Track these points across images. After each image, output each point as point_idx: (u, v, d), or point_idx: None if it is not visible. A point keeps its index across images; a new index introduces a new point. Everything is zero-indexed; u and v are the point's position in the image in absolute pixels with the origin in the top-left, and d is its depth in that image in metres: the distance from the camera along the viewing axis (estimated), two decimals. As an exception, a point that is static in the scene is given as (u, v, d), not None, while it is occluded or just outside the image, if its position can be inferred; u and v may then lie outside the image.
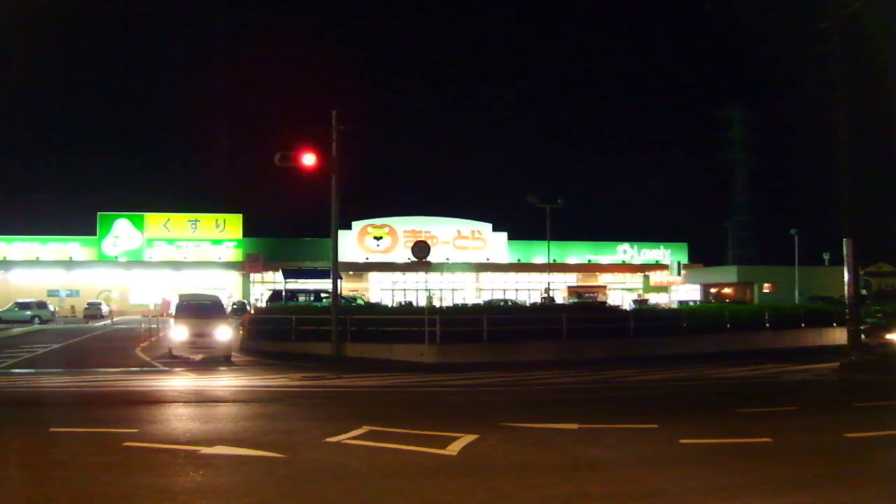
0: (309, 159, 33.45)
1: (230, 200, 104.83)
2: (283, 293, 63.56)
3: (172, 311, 36.13)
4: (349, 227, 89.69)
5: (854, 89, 31.00)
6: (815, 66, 31.30)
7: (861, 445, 14.47)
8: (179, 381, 25.63)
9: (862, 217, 32.07)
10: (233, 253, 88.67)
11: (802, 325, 42.80)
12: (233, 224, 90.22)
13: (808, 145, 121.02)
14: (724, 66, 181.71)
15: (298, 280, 69.61)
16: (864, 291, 40.41)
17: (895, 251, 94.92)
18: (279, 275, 72.62)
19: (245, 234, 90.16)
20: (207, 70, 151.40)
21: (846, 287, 30.79)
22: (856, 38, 30.82)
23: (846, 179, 30.53)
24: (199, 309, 34.36)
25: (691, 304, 74.68)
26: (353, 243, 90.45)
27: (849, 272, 30.52)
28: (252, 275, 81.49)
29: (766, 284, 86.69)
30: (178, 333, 32.72)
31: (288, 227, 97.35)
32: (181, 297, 39.05)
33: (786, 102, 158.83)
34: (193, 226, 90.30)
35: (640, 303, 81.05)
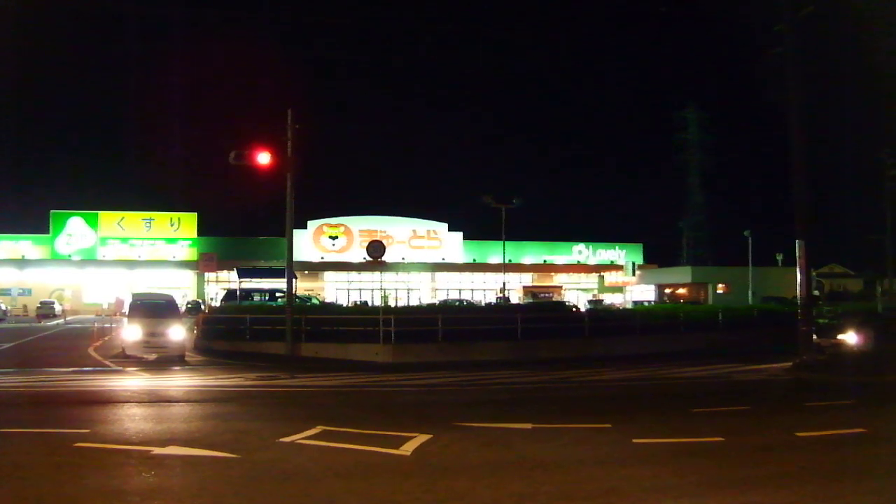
0: (264, 158, 33.37)
1: (185, 199, 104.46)
2: (238, 292, 63.21)
3: (126, 310, 35.87)
4: (304, 227, 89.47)
5: (807, 92, 31.23)
6: (769, 68, 31.48)
7: (812, 444, 14.58)
8: (133, 381, 25.45)
9: (815, 219, 32.31)
10: (187, 252, 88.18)
11: (755, 325, 43.08)
12: (187, 223, 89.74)
13: (762, 147, 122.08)
14: (679, 67, 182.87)
15: (253, 279, 69.30)
16: (816, 292, 40.71)
17: (848, 253, 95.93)
18: (234, 274, 72.26)
19: (200, 232, 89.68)
20: (162, 68, 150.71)
21: (798, 288, 31.01)
22: (809, 41, 31.05)
23: (799, 181, 30.74)
24: (153, 308, 34.14)
25: (646, 304, 75.11)
26: (308, 242, 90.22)
27: (801, 273, 30.74)
28: (207, 274, 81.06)
29: (720, 285, 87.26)
30: (132, 333, 32.47)
31: (243, 225, 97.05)
32: (135, 296, 38.82)
33: (740, 104, 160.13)
34: (148, 224, 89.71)
35: (595, 303, 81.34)
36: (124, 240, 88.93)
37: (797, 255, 30.67)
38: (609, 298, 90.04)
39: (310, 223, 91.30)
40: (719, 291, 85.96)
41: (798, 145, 30.73)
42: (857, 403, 20.73)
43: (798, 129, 30.73)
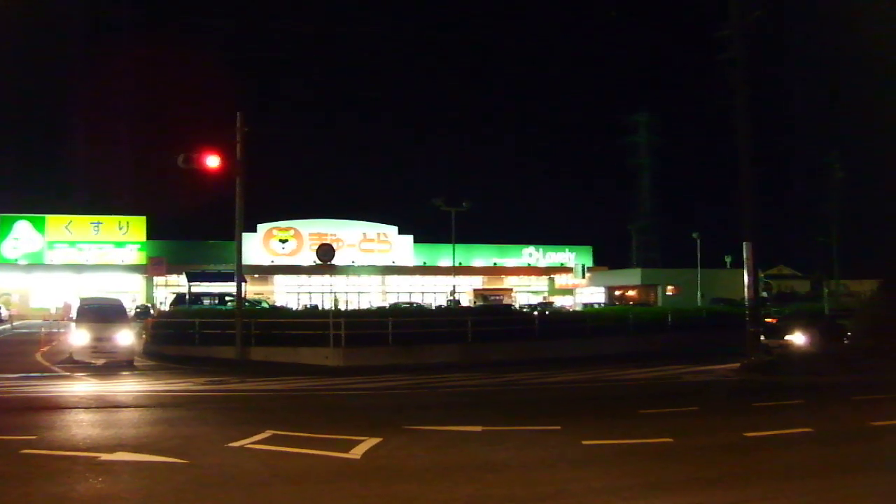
0: (213, 161, 33.17)
1: (134, 202, 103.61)
2: (188, 296, 62.84)
3: (74, 314, 35.56)
4: (254, 230, 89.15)
5: (754, 96, 31.49)
6: (718, 73, 31.70)
7: (759, 444, 14.68)
8: (80, 387, 25.18)
9: (763, 221, 32.53)
10: (136, 256, 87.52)
11: (704, 326, 43.37)
12: (136, 226, 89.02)
13: (712, 151, 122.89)
14: (630, 71, 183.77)
15: (203, 283, 68.93)
16: (764, 294, 40.98)
17: (795, 255, 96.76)
18: (183, 278, 71.88)
19: (149, 236, 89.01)
20: (110, 69, 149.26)
21: (746, 289, 31.22)
22: (757, 46, 31.29)
23: (746, 184, 30.97)
24: (101, 312, 33.79)
25: (596, 306, 75.41)
26: (258, 246, 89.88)
27: (749, 275, 30.95)
28: (156, 278, 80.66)
29: (669, 287, 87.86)
30: (79, 337, 32.12)
31: (193, 229, 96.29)
32: (83, 300, 38.39)
33: (690, 108, 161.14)
34: (96, 228, 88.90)
35: (546, 305, 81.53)
36: (72, 243, 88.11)
37: (745, 257, 30.88)
38: (559, 301, 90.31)
39: (260, 227, 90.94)
40: (668, 293, 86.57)
41: (745, 149, 30.98)
42: (804, 403, 20.94)
43: (745, 133, 30.97)
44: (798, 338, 32.52)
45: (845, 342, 33.12)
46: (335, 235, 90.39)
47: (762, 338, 31.35)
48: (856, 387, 23.44)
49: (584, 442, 14.53)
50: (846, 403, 20.85)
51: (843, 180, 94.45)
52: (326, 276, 68.91)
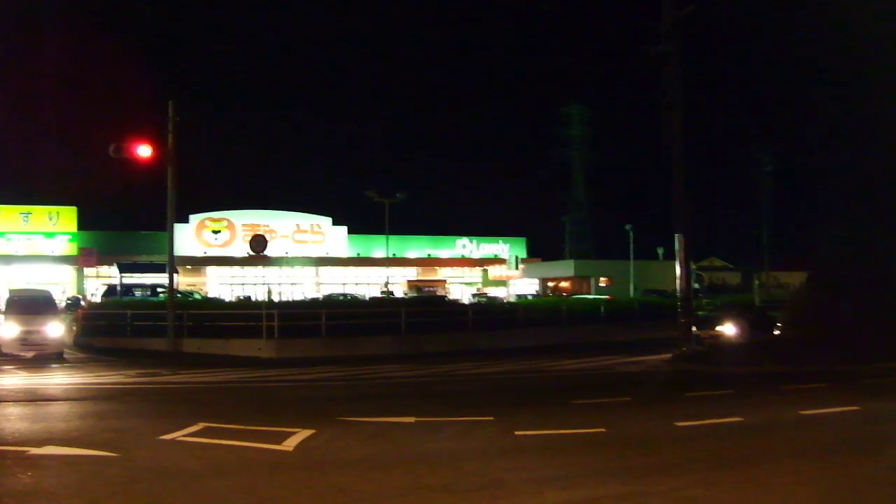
0: (144, 151, 32.92)
1: (64, 193, 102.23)
2: (119, 288, 62.19)
3: (2, 306, 35.07)
4: (187, 221, 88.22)
5: (686, 89, 31.69)
6: (651, 66, 31.88)
7: (691, 433, 14.83)
8: (8, 380, 24.82)
9: (694, 214, 32.81)
10: (67, 247, 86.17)
11: (637, 317, 43.76)
12: (67, 217, 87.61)
13: (645, 143, 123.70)
14: (562, 63, 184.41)
15: (134, 274, 68.21)
16: (696, 285, 41.34)
17: (727, 247, 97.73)
18: (115, 269, 71.03)
19: (80, 227, 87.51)
20: (39, 57, 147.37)
21: (678, 281, 31.46)
22: (690, 39, 31.50)
23: (677, 177, 31.20)
24: (30, 304, 33.34)
25: (529, 297, 75.67)
26: (190, 237, 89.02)
27: (680, 267, 31.19)
28: (87, 269, 79.59)
29: (602, 278, 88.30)
30: (8, 330, 31.68)
31: (125, 220, 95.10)
32: (11, 292, 37.94)
33: (623, 101, 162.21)
34: (25, 218, 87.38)
35: (479, 296, 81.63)
36: (0, 234, 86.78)
37: (676, 249, 31.11)
38: (493, 292, 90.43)
39: (192, 217, 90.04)
40: (602, 285, 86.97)
41: (676, 142, 31.20)
42: (735, 393, 21.15)
43: (677, 126, 31.17)
44: (729, 329, 32.91)
45: (775, 333, 33.57)
46: (268, 226, 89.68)
47: (694, 329, 31.64)
48: (785, 377, 23.78)
49: (518, 432, 14.57)
50: (776, 393, 21.15)
51: (773, 173, 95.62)
52: (260, 268, 68.48)
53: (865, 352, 27.44)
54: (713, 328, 33.49)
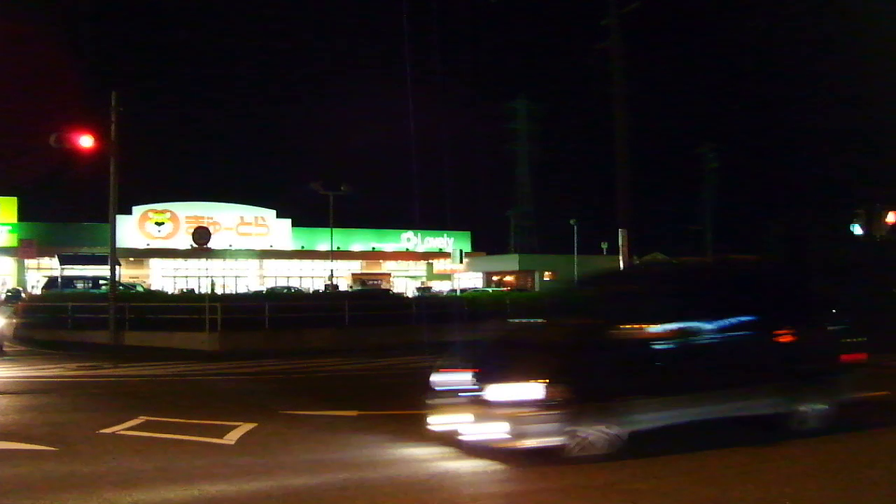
0: (86, 141, 32.59)
1: (4, 183, 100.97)
2: (60, 280, 61.72)
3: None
4: (130, 212, 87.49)
5: (631, 85, 31.94)
6: (596, 61, 32.09)
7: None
8: (-54, 373, 24.59)
9: (638, 209, 33.01)
10: (7, 238, 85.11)
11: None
12: (6, 208, 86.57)
13: (589, 138, 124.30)
14: (509, 57, 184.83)
15: (76, 266, 67.78)
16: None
17: (670, 242, 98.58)
18: (56, 261, 70.48)
19: (20, 218, 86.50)
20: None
21: (621, 275, 31.62)
22: (635, 36, 31.75)
23: (621, 172, 31.39)
24: (-31, 297, 33.04)
25: (473, 291, 75.83)
26: (133, 229, 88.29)
27: (623, 261, 31.39)
28: (27, 261, 78.72)
29: (546, 272, 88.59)
30: (-54, 323, 31.37)
31: (66, 211, 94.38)
32: (-50, 284, 37.55)
33: (569, 96, 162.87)
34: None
35: (424, 290, 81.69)
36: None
37: (620, 243, 31.30)
38: (438, 286, 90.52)
39: (135, 209, 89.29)
40: (546, 279, 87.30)
41: (621, 137, 31.40)
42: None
43: (621, 121, 31.39)
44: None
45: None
46: (212, 219, 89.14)
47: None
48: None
49: (459, 426, 14.61)
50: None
51: (717, 170, 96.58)
52: (203, 260, 68.24)
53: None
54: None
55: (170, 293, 68.35)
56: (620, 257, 31.45)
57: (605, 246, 77.14)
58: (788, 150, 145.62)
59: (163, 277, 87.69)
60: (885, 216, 30.96)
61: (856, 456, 12.29)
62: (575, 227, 79.16)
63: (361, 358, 28.99)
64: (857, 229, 31.92)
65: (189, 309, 34.38)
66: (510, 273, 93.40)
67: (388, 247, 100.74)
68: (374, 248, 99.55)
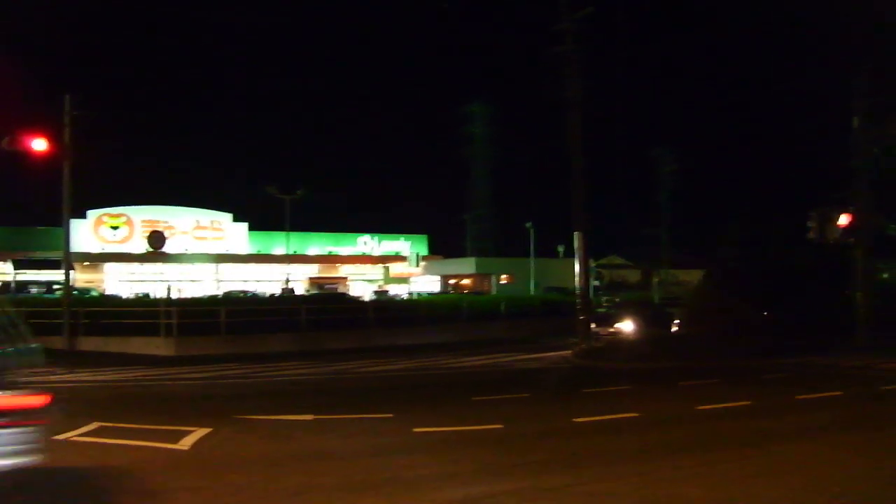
0: (39, 144, 32.27)
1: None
2: (13, 285, 61.16)
3: None
4: (84, 216, 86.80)
5: (586, 88, 32.04)
6: (551, 65, 32.17)
7: (587, 429, 15.00)
8: None
9: (594, 211, 33.17)
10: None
11: (538, 314, 44.06)
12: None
13: (545, 141, 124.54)
14: (465, 61, 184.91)
15: (29, 271, 67.15)
16: (596, 283, 41.83)
17: (627, 245, 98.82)
18: (9, 265, 69.80)
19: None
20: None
21: (577, 278, 31.77)
22: (590, 40, 31.86)
23: (577, 175, 31.52)
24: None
25: (429, 295, 75.84)
26: (88, 233, 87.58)
27: (579, 264, 31.52)
28: (-21, 266, 78.03)
29: (503, 276, 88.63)
30: None
31: (20, 215, 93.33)
32: None
33: (525, 99, 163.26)
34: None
35: (381, 294, 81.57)
36: None
37: (576, 246, 31.45)
38: (394, 289, 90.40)
39: (90, 213, 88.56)
40: (503, 282, 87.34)
41: (576, 140, 31.54)
42: (631, 389, 21.42)
43: (576, 125, 31.51)
44: (627, 325, 33.34)
45: (673, 329, 34.08)
46: (168, 223, 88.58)
47: (593, 325, 32.03)
48: (682, 372, 24.11)
49: (416, 429, 14.61)
50: (672, 389, 21.45)
51: (674, 172, 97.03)
52: (159, 264, 67.96)
53: (760, 347, 28.06)
54: (612, 325, 33.93)
55: (125, 298, 67.83)
56: (576, 260, 31.56)
57: (561, 249, 77.34)
58: (745, 154, 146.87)
59: (118, 282, 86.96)
60: (838, 219, 31.17)
61: (805, 456, 12.38)
62: (531, 231, 79.22)
63: (318, 362, 28.94)
64: (811, 232, 32.17)
65: (145, 314, 34.15)
66: (467, 276, 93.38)
67: (345, 250, 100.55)
68: (330, 252, 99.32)
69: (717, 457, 12.43)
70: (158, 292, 71.03)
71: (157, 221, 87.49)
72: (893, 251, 46.08)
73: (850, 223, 31.12)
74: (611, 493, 10.38)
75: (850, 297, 31.68)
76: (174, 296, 50.57)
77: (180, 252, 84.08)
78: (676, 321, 35.08)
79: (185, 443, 13.27)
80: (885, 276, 45.82)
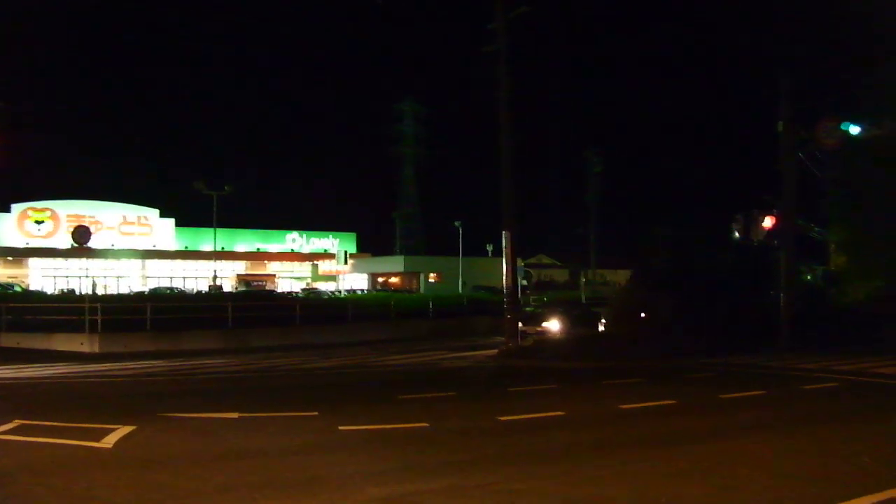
0: (-40, 138, 31.91)
1: None
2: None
3: None
4: (8, 210, 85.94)
5: (517, 89, 32.17)
6: (484, 64, 32.27)
7: (514, 428, 15.02)
8: None
9: (523, 211, 33.30)
10: None
11: (465, 313, 44.21)
12: None
13: (475, 140, 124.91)
14: (397, 59, 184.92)
15: (-49, 266, 66.22)
16: (524, 282, 42.06)
17: (555, 245, 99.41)
18: (-70, 260, 68.81)
19: None
20: None
21: (504, 278, 31.86)
22: (522, 40, 31.98)
23: (506, 175, 31.61)
24: None
25: (358, 293, 75.76)
26: (12, 227, 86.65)
27: (507, 263, 31.61)
28: None
29: (431, 274, 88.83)
30: None
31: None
32: None
33: (455, 98, 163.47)
34: None
35: (309, 291, 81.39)
36: None
37: (504, 245, 31.53)
38: (323, 286, 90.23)
39: (14, 206, 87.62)
40: (431, 281, 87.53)
41: (506, 140, 31.62)
42: (557, 388, 21.50)
43: (507, 124, 31.61)
44: (554, 325, 33.48)
45: (600, 329, 34.30)
46: (94, 217, 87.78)
47: (520, 325, 32.11)
48: (607, 372, 24.30)
49: (342, 427, 14.59)
50: (598, 388, 21.62)
51: (603, 174, 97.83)
52: (84, 260, 67.02)
53: (685, 347, 28.36)
54: (539, 324, 34.06)
55: (49, 293, 67.11)
56: (504, 259, 31.67)
57: (490, 248, 77.61)
58: (675, 156, 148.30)
59: (42, 277, 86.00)
60: (763, 221, 31.59)
61: (728, 456, 12.52)
62: (460, 229, 79.42)
63: (245, 359, 28.84)
64: (736, 234, 32.61)
65: (69, 310, 33.92)
66: (395, 274, 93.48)
67: (273, 247, 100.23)
68: (258, 249, 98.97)
69: (641, 455, 12.52)
70: (84, 288, 70.36)
71: (83, 216, 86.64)
72: (816, 253, 46.93)
73: (775, 225, 31.53)
74: (534, 491, 10.41)
75: (774, 298, 32.08)
76: (100, 292, 50.15)
77: (106, 247, 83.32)
78: (603, 321, 35.30)
79: (109, 441, 13.13)
80: (808, 277, 46.57)
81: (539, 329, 33.96)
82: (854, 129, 31.14)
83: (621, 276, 68.48)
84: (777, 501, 10.06)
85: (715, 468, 11.68)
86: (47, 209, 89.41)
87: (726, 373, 24.43)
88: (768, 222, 31.69)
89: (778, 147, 31.50)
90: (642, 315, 32.75)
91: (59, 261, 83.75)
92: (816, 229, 43.23)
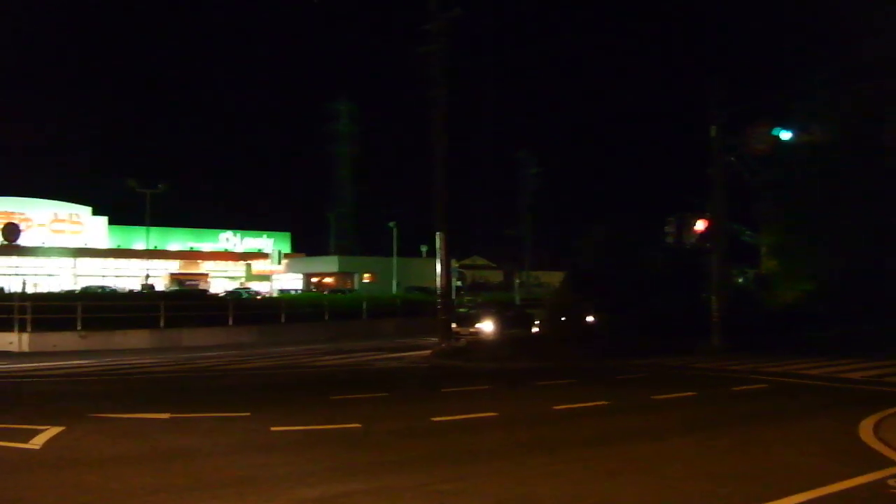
0: None
1: None
2: None
3: None
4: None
5: (451, 89, 32.24)
6: (419, 65, 32.30)
7: (446, 429, 15.08)
8: None
9: (457, 212, 33.38)
10: None
11: (399, 314, 44.26)
12: None
13: (410, 141, 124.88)
14: (329, 58, 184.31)
15: None
16: (458, 283, 42.14)
17: (489, 246, 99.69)
18: None
19: None
20: None
21: (438, 279, 31.94)
22: (456, 41, 32.04)
23: (439, 176, 31.67)
24: None
25: (292, 293, 75.56)
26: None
27: (441, 264, 31.69)
28: None
29: (366, 275, 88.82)
30: None
31: None
32: None
33: (390, 98, 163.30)
34: None
35: (242, 291, 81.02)
36: None
37: (437, 246, 31.61)
38: (256, 286, 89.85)
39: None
40: (365, 281, 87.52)
41: (440, 140, 31.69)
42: (490, 389, 21.58)
43: (440, 125, 31.67)
44: (488, 326, 33.54)
45: (533, 330, 34.46)
46: (24, 214, 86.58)
47: (454, 326, 32.22)
48: (540, 373, 24.43)
49: (273, 428, 14.56)
50: (530, 388, 21.71)
51: (538, 175, 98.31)
52: (13, 257, 66.31)
53: (617, 348, 28.61)
54: (473, 325, 34.11)
55: (-23, 292, 66.18)
56: (437, 260, 31.73)
57: (424, 249, 77.69)
58: (610, 159, 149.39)
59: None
60: (695, 225, 31.93)
61: (658, 456, 12.64)
62: (394, 230, 79.46)
63: (176, 359, 28.70)
64: (670, 237, 32.94)
65: (-2, 308, 33.50)
66: (330, 275, 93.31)
67: (207, 246, 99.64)
68: (191, 248, 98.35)
69: (572, 456, 12.61)
70: (13, 286, 69.47)
71: (13, 213, 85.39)
72: (748, 257, 47.56)
73: (707, 229, 31.86)
74: (465, 491, 10.45)
75: (706, 300, 32.43)
76: (30, 290, 49.54)
77: (37, 245, 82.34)
78: (536, 322, 35.45)
79: (37, 442, 13.00)
80: (741, 280, 47.17)
81: (473, 330, 34.03)
82: (785, 135, 31.65)
83: (556, 278, 68.82)
84: (709, 501, 10.19)
85: (647, 468, 11.79)
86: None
87: (658, 373, 24.65)
88: (700, 225, 32.01)
89: (711, 151, 31.83)
90: (573, 316, 32.99)
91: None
92: (748, 233, 43.81)
